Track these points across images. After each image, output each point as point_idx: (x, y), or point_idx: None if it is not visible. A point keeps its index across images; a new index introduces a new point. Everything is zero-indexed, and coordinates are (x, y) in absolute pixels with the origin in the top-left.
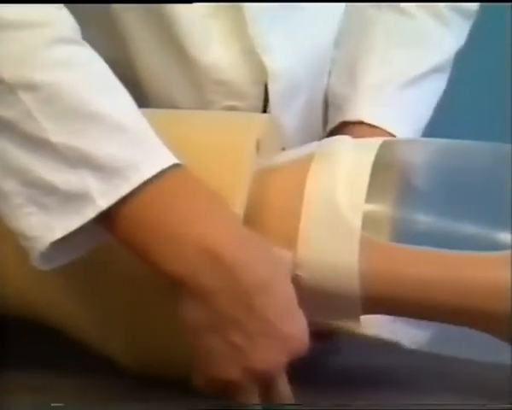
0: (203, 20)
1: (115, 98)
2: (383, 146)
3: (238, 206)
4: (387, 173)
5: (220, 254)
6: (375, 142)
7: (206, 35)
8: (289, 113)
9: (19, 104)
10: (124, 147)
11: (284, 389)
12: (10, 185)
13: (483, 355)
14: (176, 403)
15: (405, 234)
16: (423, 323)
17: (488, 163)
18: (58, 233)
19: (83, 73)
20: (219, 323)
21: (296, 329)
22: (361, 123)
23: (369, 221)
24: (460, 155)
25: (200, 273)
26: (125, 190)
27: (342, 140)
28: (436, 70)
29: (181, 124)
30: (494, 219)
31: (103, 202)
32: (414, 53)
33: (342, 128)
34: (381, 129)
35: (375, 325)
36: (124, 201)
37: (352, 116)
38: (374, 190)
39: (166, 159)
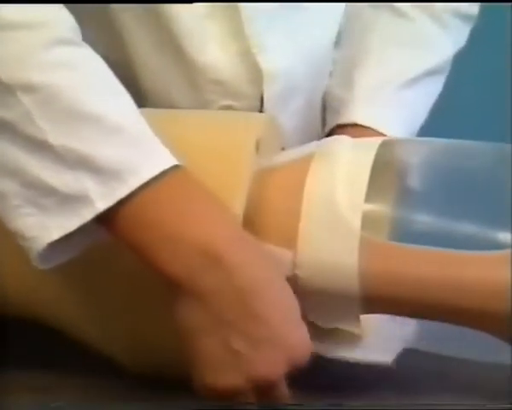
0: (200, 20)
1: (114, 99)
2: (383, 146)
3: (237, 206)
4: (387, 173)
5: (219, 256)
6: (375, 141)
7: (204, 35)
8: (286, 113)
9: (18, 105)
10: (122, 149)
11: (283, 394)
12: (9, 186)
13: (483, 355)
14: (176, 403)
15: (405, 234)
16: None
17: (488, 163)
18: (55, 234)
19: (82, 75)
20: (216, 326)
21: (297, 335)
22: (355, 125)
23: (368, 221)
24: (459, 155)
25: (197, 274)
26: (123, 192)
27: (342, 140)
28: (433, 72)
29: (179, 124)
30: (494, 219)
31: (101, 204)
32: (410, 55)
33: (338, 131)
34: (374, 130)
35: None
36: (122, 202)
37: (347, 118)
38: (373, 190)
39: (165, 160)
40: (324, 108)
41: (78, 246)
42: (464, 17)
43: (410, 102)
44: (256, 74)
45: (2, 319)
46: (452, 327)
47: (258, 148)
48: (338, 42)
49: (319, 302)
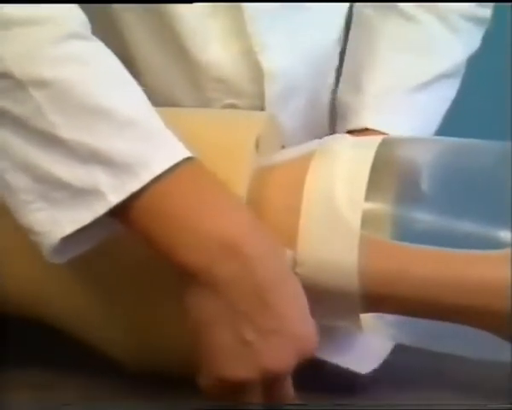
0: (203, 19)
1: (126, 93)
2: (383, 144)
3: None
4: (387, 171)
5: (238, 247)
6: (375, 140)
7: (206, 34)
8: (287, 112)
9: (30, 100)
10: (134, 142)
11: (289, 390)
12: (21, 181)
13: (483, 354)
14: (177, 402)
15: (405, 232)
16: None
17: (489, 161)
18: (68, 228)
19: (93, 69)
20: (230, 316)
21: (308, 329)
22: (365, 130)
23: (368, 219)
24: (460, 153)
25: (215, 265)
26: (135, 186)
27: (342, 138)
28: (444, 77)
29: (181, 121)
30: (494, 217)
31: (114, 197)
32: (420, 60)
33: None
34: (385, 135)
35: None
36: (134, 196)
37: (357, 124)
38: (373, 188)
39: (177, 153)
40: (333, 112)
41: (93, 239)
42: (476, 20)
43: (422, 106)
44: (257, 73)
45: (3, 317)
46: (452, 326)
47: (258, 146)
48: (343, 48)
49: (319, 300)
